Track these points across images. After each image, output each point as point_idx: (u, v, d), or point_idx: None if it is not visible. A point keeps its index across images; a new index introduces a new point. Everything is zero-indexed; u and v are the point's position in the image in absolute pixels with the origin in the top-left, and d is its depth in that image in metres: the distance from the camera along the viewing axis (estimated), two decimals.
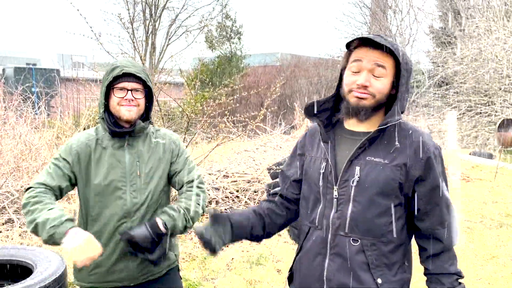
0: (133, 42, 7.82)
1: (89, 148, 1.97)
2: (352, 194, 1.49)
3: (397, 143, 1.49)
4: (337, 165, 1.53)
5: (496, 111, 14.67)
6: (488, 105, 14.65)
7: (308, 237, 1.60)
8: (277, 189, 1.76)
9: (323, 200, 1.55)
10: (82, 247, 1.68)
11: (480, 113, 14.83)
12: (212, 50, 22.05)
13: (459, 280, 1.54)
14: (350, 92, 1.49)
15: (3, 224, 5.12)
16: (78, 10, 5.65)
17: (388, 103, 1.53)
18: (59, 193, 1.95)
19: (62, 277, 3.09)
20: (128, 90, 1.92)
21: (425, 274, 1.59)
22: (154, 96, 2.09)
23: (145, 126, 1.99)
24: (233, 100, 7.37)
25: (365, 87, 1.45)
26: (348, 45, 1.52)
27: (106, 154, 1.97)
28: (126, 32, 19.55)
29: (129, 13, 19.61)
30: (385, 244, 1.49)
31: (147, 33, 21.39)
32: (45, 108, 8.64)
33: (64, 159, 1.96)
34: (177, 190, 2.06)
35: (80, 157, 1.96)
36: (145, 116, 2.03)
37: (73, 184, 1.99)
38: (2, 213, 5.28)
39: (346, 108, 1.52)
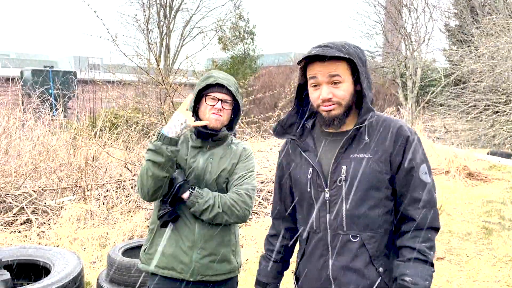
0: (148, 44, 7.88)
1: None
2: (343, 193, 1.54)
3: (375, 136, 1.56)
4: (323, 167, 1.59)
5: None
6: (506, 104, 14.38)
7: (308, 242, 1.64)
8: (275, 211, 1.82)
9: (316, 204, 1.59)
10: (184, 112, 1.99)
11: (498, 112, 14.57)
12: (225, 51, 22.12)
13: (425, 259, 1.49)
14: (319, 107, 1.58)
15: (21, 224, 5.21)
16: (95, 12, 5.73)
17: (358, 99, 1.60)
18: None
19: (79, 276, 3.13)
20: (218, 99, 2.05)
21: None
22: (241, 110, 2.20)
23: (228, 134, 2.13)
24: (247, 100, 7.38)
25: (329, 99, 1.54)
26: (300, 62, 1.60)
27: (188, 150, 2.10)
28: (141, 33, 19.75)
29: (144, 15, 19.83)
30: (382, 235, 1.56)
31: (162, 34, 21.57)
32: (62, 109, 8.77)
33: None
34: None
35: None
36: (230, 127, 2.16)
37: None
38: (21, 214, 5.38)
39: (322, 120, 1.60)
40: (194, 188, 2.01)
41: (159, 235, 2.08)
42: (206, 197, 1.98)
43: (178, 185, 1.98)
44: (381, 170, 1.53)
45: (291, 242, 1.79)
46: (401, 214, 1.57)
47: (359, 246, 1.54)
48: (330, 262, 1.57)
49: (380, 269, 1.54)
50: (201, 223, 2.04)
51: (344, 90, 1.55)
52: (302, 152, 1.64)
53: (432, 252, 1.51)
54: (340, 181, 1.54)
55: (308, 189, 1.60)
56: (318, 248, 1.60)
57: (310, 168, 1.60)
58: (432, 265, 1.51)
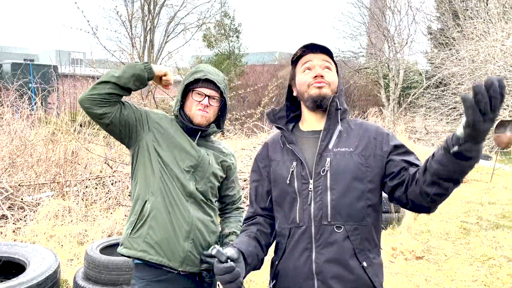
0: (131, 39, 7.78)
1: (170, 123, 2.05)
2: (328, 184, 1.56)
3: (355, 133, 1.64)
4: (307, 160, 1.61)
5: None
6: None
7: (290, 238, 1.61)
8: (249, 213, 1.77)
9: (300, 197, 1.59)
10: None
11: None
12: (210, 48, 22.02)
13: None
14: (309, 86, 1.64)
15: None
16: (76, 3, 5.63)
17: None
18: (121, 106, 1.95)
19: (55, 274, 3.07)
20: (206, 95, 2.00)
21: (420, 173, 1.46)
22: (228, 107, 2.15)
23: (216, 131, 2.09)
24: (230, 98, 7.35)
25: (321, 76, 1.62)
26: (293, 60, 1.71)
27: (178, 136, 2.03)
28: (124, 28, 19.51)
29: (127, 10, 19.58)
30: (365, 228, 1.57)
31: (146, 30, 21.35)
32: (41, 104, 8.59)
33: (146, 111, 2.04)
34: (220, 201, 2.21)
35: (160, 123, 2.03)
36: (217, 124, 2.11)
37: (130, 126, 1.98)
38: None
39: (311, 103, 1.64)
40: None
41: (150, 218, 1.96)
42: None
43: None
44: (362, 163, 1.58)
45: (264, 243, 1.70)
46: (407, 172, 1.52)
47: (343, 238, 1.53)
48: (314, 255, 1.55)
49: (364, 264, 1.54)
50: (197, 216, 2.00)
51: (334, 76, 1.66)
52: (288, 144, 1.65)
53: None
54: (323, 171, 1.57)
55: (290, 182, 1.60)
56: (301, 242, 1.57)
57: (294, 162, 1.62)
58: None
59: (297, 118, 1.77)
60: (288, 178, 1.61)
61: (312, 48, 1.66)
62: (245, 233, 1.69)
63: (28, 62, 18.00)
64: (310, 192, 1.57)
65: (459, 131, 1.27)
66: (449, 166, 1.33)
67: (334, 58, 1.70)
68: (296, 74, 1.71)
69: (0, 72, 14.44)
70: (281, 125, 1.71)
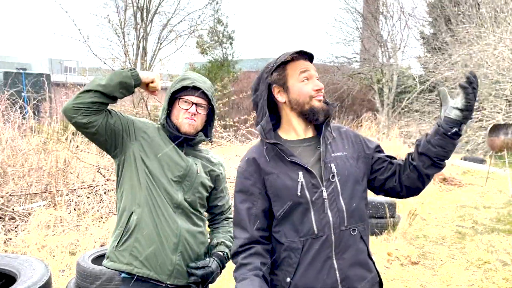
0: (124, 46, 7.74)
1: (157, 132, 2.02)
2: (339, 189, 1.59)
3: (340, 138, 1.70)
4: (312, 170, 1.60)
5: (486, 116, 14.78)
6: (479, 111, 14.76)
7: (306, 251, 1.55)
8: (243, 239, 1.63)
9: (313, 207, 1.57)
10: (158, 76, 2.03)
11: (471, 118, 14.92)
12: (203, 55, 22.03)
13: None
14: (312, 98, 1.63)
15: None
16: (66, 12, 5.61)
17: None
18: (107, 114, 1.90)
19: (47, 285, 3.01)
20: (193, 103, 1.95)
21: (418, 152, 1.62)
22: (215, 115, 2.11)
23: (204, 139, 2.05)
24: (223, 104, 7.33)
25: (322, 89, 1.66)
26: (279, 64, 1.67)
27: (165, 145, 1.99)
28: (116, 36, 19.49)
29: (119, 17, 19.56)
30: (367, 226, 1.68)
31: (138, 37, 21.32)
32: (34, 113, 8.52)
33: (132, 120, 2.01)
34: (209, 211, 2.18)
35: (147, 132, 1.99)
36: (204, 132, 2.07)
37: (115, 133, 1.93)
38: None
39: (322, 115, 1.63)
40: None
41: (136, 230, 1.91)
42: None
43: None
44: (356, 165, 1.66)
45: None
46: (394, 164, 1.69)
47: (359, 239, 1.60)
48: (335, 263, 1.54)
49: (373, 259, 1.67)
50: (186, 228, 1.96)
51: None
52: (287, 157, 1.58)
53: None
54: (333, 177, 1.59)
55: (301, 193, 1.56)
56: (322, 252, 1.54)
57: (299, 172, 1.57)
58: None
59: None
60: (299, 190, 1.56)
61: (303, 55, 1.67)
62: (249, 270, 1.56)
63: (21, 70, 17.93)
64: (325, 200, 1.56)
65: (454, 115, 1.53)
66: (447, 146, 1.56)
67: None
68: (288, 79, 1.64)
69: None
70: (272, 139, 1.62)
